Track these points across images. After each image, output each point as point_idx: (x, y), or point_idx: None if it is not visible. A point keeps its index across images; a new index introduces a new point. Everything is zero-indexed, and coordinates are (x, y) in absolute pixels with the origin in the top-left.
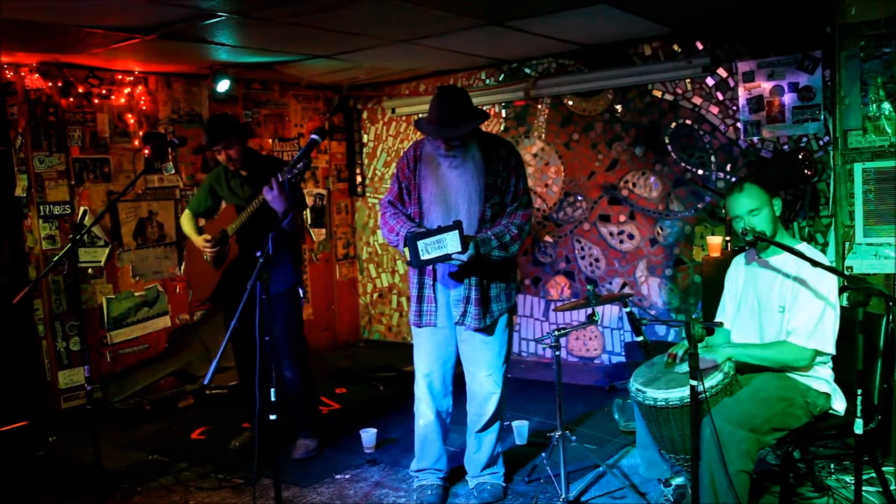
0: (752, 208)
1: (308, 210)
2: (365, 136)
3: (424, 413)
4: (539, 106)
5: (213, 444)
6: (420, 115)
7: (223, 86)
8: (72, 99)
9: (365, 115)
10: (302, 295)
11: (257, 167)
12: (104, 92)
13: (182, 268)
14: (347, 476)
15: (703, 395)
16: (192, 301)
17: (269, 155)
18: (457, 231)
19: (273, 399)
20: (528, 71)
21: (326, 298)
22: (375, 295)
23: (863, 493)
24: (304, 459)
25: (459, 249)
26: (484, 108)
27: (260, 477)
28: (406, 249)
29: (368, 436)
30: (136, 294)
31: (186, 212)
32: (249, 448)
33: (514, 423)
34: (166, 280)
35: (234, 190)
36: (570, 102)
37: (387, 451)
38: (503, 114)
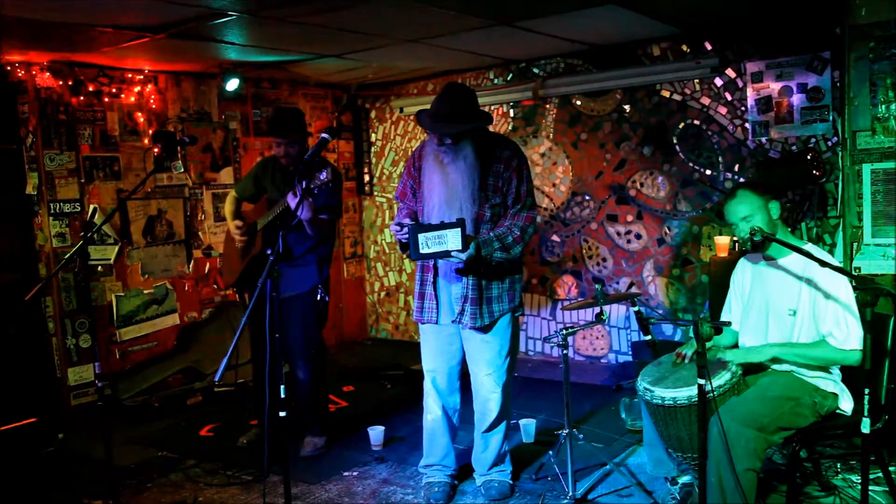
0: (745, 215)
1: None
2: (373, 135)
3: (432, 408)
4: (547, 106)
5: (222, 441)
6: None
7: (232, 84)
8: (82, 97)
9: (373, 114)
10: (318, 297)
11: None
12: (114, 90)
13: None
14: (355, 473)
15: (711, 395)
16: (222, 283)
17: (323, 158)
18: (459, 229)
19: (283, 396)
20: (536, 71)
21: (334, 297)
22: (383, 293)
23: (869, 492)
24: (312, 457)
25: (460, 248)
26: (492, 107)
27: (269, 474)
28: (406, 243)
29: (376, 433)
30: (146, 292)
31: (232, 194)
32: (257, 445)
33: (522, 422)
34: (175, 278)
35: (276, 183)
36: (579, 102)
37: (394, 448)
38: (511, 113)
